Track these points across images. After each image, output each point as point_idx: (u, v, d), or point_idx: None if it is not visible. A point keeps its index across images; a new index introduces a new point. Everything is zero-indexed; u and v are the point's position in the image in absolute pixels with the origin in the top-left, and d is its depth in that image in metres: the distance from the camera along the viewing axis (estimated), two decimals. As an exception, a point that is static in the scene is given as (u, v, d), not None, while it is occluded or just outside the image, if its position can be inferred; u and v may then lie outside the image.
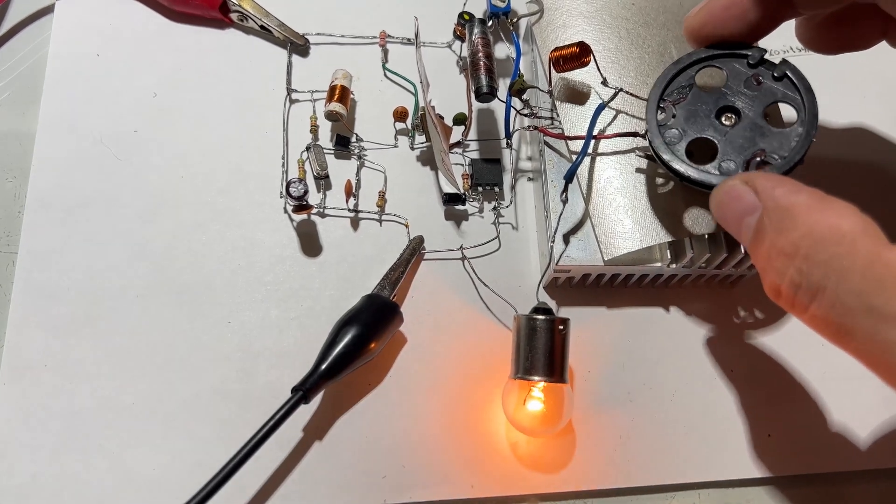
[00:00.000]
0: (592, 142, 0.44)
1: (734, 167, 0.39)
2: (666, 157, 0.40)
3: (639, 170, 0.45)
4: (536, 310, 0.43)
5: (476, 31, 0.48)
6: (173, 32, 0.52)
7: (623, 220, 0.43)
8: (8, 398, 0.42)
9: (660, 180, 0.45)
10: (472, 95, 0.48)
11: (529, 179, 0.51)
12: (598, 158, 0.45)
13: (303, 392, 0.40)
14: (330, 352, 0.41)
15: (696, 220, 0.43)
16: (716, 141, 0.40)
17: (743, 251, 0.43)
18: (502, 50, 0.52)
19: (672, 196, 0.44)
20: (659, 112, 0.41)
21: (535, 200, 0.50)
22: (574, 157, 0.45)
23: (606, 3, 0.48)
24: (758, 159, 0.39)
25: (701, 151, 0.41)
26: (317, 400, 0.43)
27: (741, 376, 0.47)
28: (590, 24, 0.48)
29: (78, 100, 0.49)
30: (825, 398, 0.47)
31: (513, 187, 0.50)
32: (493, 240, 0.48)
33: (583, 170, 0.45)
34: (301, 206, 0.45)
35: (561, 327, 0.42)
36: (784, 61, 0.42)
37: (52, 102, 0.49)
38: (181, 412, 0.43)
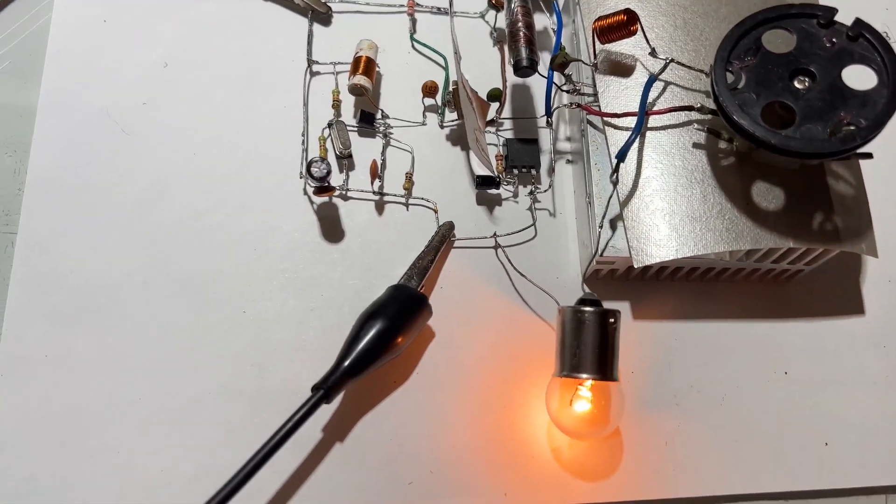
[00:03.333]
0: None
1: (819, 132, 0.36)
2: (743, 122, 0.36)
3: (696, 145, 0.41)
4: (583, 301, 0.39)
5: (516, -2, 0.44)
6: (186, -2, 0.48)
7: (659, 226, 0.39)
8: (5, 392, 0.39)
9: (720, 154, 0.41)
10: (509, 69, 0.44)
11: (568, 162, 0.47)
12: (641, 149, 0.41)
13: (324, 391, 0.36)
14: (353, 347, 0.38)
15: (764, 195, 0.40)
16: (792, 106, 0.37)
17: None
18: (540, 22, 0.48)
19: (733, 172, 0.40)
20: (726, 75, 0.38)
21: (575, 184, 0.46)
22: (611, 134, 0.41)
23: None
24: (845, 123, 0.36)
25: (767, 119, 0.37)
26: (338, 397, 0.39)
27: (795, 379, 0.43)
28: (644, 9, 0.44)
29: (83, 69, 0.46)
30: (888, 404, 0.43)
31: (551, 170, 0.46)
32: (528, 227, 0.44)
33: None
34: (323, 187, 0.41)
35: (612, 320, 0.38)
36: (858, 20, 0.38)
37: (55, 72, 0.46)
38: (190, 410, 0.40)
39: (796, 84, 0.38)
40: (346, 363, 0.37)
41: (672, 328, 0.43)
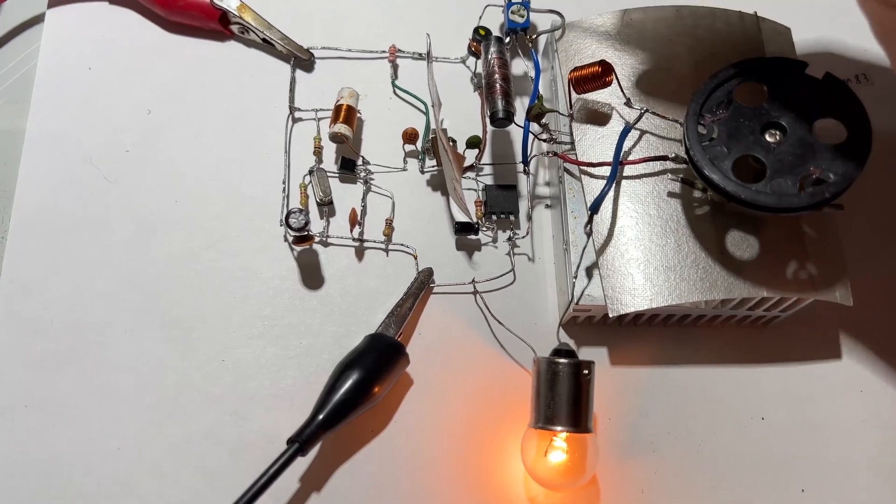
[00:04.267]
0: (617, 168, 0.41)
1: (789, 187, 0.36)
2: (714, 176, 0.37)
3: (671, 194, 0.41)
4: (558, 352, 0.39)
5: (492, 49, 0.45)
6: (170, 45, 0.49)
7: (634, 275, 0.40)
8: (-16, 441, 0.39)
9: (695, 203, 0.41)
10: (488, 118, 0.44)
11: (547, 206, 0.47)
12: (617, 198, 0.42)
13: (299, 444, 0.37)
14: (329, 399, 0.38)
15: (738, 245, 0.40)
16: (764, 159, 0.37)
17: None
18: (519, 66, 0.49)
19: (707, 221, 0.41)
20: (698, 129, 0.38)
21: (553, 230, 0.46)
22: (587, 183, 0.42)
23: (640, 37, 0.44)
24: (813, 177, 0.37)
25: (740, 170, 0.38)
26: (315, 448, 0.40)
27: (773, 424, 0.43)
28: (620, 59, 0.44)
29: (67, 116, 0.47)
30: (865, 449, 0.43)
31: (529, 216, 0.46)
32: (507, 273, 0.45)
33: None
34: (302, 237, 0.42)
35: (585, 371, 0.38)
36: (828, 75, 0.39)
37: (40, 118, 0.46)
38: (170, 459, 0.40)
39: (767, 138, 0.38)
40: (322, 416, 0.37)
41: (649, 374, 0.44)
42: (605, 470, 0.41)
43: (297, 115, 0.47)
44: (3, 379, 0.41)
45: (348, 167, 0.46)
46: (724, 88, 0.40)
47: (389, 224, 0.45)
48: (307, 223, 0.41)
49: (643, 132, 0.43)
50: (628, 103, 0.43)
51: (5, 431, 0.40)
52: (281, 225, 0.44)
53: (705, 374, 0.44)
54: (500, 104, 0.43)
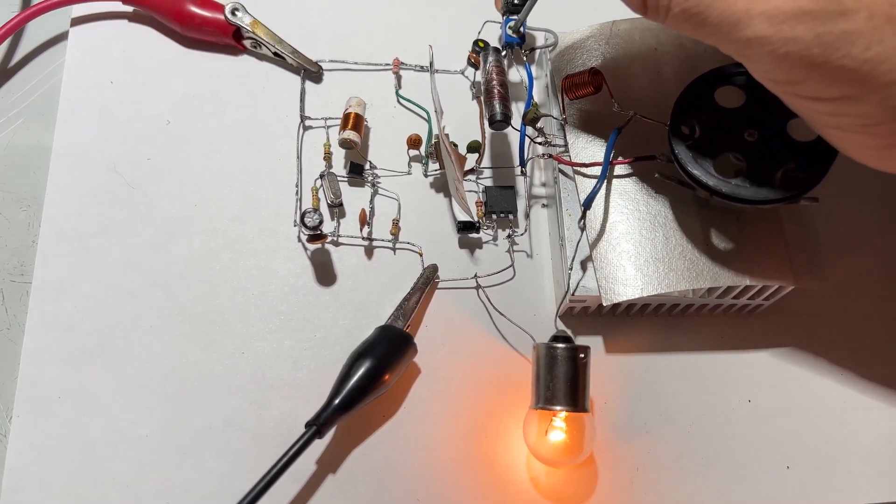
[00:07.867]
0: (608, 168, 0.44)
1: (766, 181, 0.40)
2: (696, 172, 0.40)
3: (659, 191, 0.45)
4: (556, 338, 0.42)
5: (490, 58, 0.48)
6: (187, 59, 0.52)
7: (625, 266, 0.43)
8: (21, 430, 0.42)
9: (681, 199, 0.44)
10: (486, 122, 0.48)
11: (544, 206, 0.50)
12: (608, 195, 0.45)
13: (316, 427, 0.39)
14: (343, 385, 0.41)
15: (723, 237, 0.43)
16: (743, 156, 0.40)
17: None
18: (515, 77, 0.52)
19: (693, 215, 0.44)
20: (682, 129, 0.41)
21: (550, 227, 0.49)
22: (580, 182, 0.44)
23: (628, 46, 0.47)
24: (790, 172, 0.40)
25: (723, 168, 0.41)
26: (330, 432, 0.42)
27: (759, 407, 0.46)
28: (609, 67, 0.47)
29: (92, 127, 0.49)
30: (846, 429, 0.46)
31: (527, 215, 0.49)
32: (507, 268, 0.48)
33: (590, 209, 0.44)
34: (316, 235, 0.45)
35: (582, 355, 0.41)
36: None
37: (66, 130, 0.49)
38: (194, 444, 0.43)
39: (746, 136, 0.41)
40: (337, 401, 0.40)
41: (642, 361, 0.47)
42: (602, 450, 0.44)
43: (307, 123, 0.50)
44: (39, 373, 0.43)
45: (357, 171, 0.49)
46: (706, 92, 0.43)
47: (396, 224, 0.48)
48: (321, 222, 0.44)
49: (633, 134, 0.46)
50: (618, 108, 0.46)
51: (41, 421, 0.42)
52: (295, 225, 0.47)
53: (695, 361, 0.47)
54: (497, 108, 0.46)
